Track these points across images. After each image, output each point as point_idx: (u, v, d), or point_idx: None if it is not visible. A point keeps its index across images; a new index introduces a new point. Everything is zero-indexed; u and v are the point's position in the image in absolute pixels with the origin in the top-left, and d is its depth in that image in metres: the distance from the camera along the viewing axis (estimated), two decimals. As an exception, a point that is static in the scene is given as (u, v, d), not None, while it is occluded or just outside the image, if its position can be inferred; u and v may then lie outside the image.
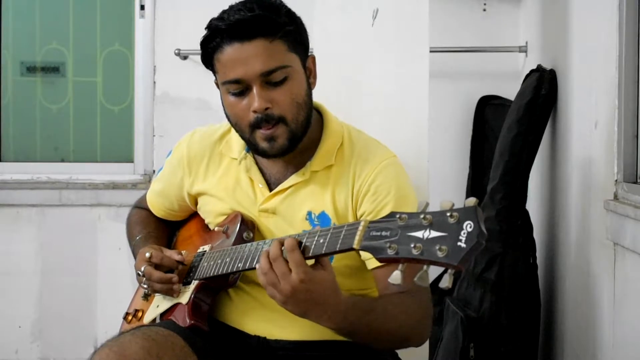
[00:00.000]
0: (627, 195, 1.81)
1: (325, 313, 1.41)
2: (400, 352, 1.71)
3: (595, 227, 2.02)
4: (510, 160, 2.43)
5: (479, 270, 2.41)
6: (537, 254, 2.46)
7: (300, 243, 1.38)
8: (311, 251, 1.36)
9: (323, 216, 1.64)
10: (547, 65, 2.53)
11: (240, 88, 1.57)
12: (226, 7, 1.58)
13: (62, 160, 3.44)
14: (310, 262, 1.39)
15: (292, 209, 1.65)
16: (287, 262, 1.37)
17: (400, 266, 1.20)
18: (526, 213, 2.45)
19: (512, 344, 2.37)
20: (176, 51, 3.23)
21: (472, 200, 1.15)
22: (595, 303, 2.02)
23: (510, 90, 2.95)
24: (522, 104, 2.45)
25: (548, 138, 2.54)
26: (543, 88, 2.44)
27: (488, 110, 3.14)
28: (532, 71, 2.56)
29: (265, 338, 1.64)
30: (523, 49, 3.06)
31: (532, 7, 2.97)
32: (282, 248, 1.38)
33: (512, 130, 2.45)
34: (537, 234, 2.52)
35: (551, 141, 2.55)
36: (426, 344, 2.10)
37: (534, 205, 2.67)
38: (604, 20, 1.97)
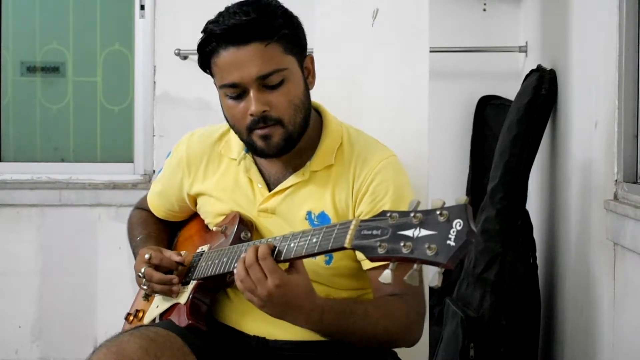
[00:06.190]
0: (627, 195, 1.81)
1: (301, 315, 1.45)
2: (400, 352, 1.71)
3: (595, 227, 2.01)
4: (510, 160, 2.43)
5: (479, 270, 2.41)
6: (537, 254, 2.45)
7: (274, 248, 1.41)
8: (292, 254, 1.39)
9: (323, 216, 1.64)
10: (547, 65, 2.52)
11: (237, 92, 1.57)
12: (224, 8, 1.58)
13: (62, 160, 3.43)
14: (286, 265, 1.42)
15: (291, 209, 1.65)
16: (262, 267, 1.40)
17: (390, 265, 1.21)
18: (526, 213, 2.45)
19: (512, 344, 2.37)
20: (176, 51, 3.23)
21: (463, 199, 1.15)
22: (595, 303, 2.02)
23: (510, 90, 2.95)
24: (522, 104, 2.45)
25: (548, 138, 2.54)
26: (543, 88, 2.43)
27: (488, 110, 3.14)
28: (532, 71, 2.56)
29: (264, 338, 1.64)
30: (523, 49, 3.05)
31: (532, 7, 2.97)
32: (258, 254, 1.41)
33: (512, 131, 2.45)
34: (537, 234, 2.52)
35: (551, 141, 2.54)
36: (426, 344, 2.10)
37: (534, 205, 2.67)
38: (604, 20, 1.97)
